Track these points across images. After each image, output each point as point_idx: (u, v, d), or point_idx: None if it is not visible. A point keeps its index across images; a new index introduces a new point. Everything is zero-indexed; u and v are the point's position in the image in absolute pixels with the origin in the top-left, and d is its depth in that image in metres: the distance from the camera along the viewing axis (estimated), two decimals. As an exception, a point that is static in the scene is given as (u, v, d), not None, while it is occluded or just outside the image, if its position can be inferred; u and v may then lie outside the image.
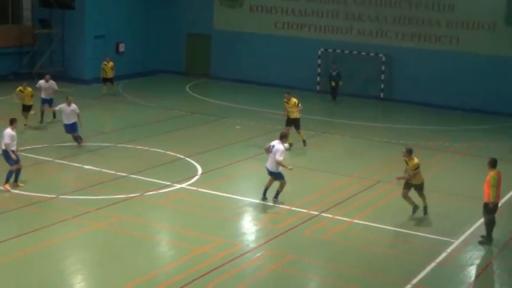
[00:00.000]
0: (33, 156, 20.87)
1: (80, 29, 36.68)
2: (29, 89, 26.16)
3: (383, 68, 34.13)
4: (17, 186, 18.68)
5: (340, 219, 17.46)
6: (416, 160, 17.14)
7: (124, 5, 37.82)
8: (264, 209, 18.28)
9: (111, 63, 31.63)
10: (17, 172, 18.83)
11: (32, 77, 35.94)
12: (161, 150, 23.22)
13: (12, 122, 19.08)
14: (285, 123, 24.23)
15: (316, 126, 28.15)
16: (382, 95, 34.36)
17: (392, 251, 15.69)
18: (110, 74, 31.64)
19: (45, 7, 37.68)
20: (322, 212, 17.76)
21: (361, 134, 27.41)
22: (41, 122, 26.46)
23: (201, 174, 20.87)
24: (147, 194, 18.92)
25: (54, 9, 37.24)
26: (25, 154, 21.16)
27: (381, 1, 34.49)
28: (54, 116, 26.41)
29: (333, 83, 33.06)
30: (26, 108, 26.07)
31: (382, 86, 34.37)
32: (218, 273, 13.96)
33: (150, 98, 32.94)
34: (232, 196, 19.01)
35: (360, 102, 33.98)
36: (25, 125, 25.48)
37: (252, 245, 15.81)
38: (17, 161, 18.79)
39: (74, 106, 23.31)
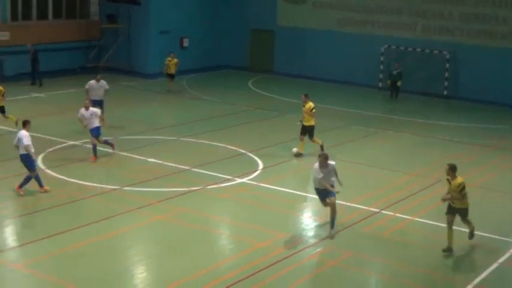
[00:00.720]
0: (99, 148, 21.16)
1: (145, 24, 37.20)
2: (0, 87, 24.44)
3: (447, 65, 33.58)
4: (46, 191, 17.92)
5: (401, 217, 17.31)
6: (460, 179, 14.54)
7: (189, 0, 38.07)
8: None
9: (175, 60, 31.90)
10: (37, 177, 17.95)
11: (98, 71, 36.69)
12: (223, 145, 23.35)
13: (25, 124, 18.17)
14: (300, 131, 22.45)
15: (377, 123, 28.01)
16: (445, 92, 33.81)
17: (453, 250, 15.47)
18: (173, 70, 31.89)
19: (112, 2, 38.29)
20: (382, 210, 17.63)
21: (422, 131, 27.09)
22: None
23: (262, 169, 20.92)
24: (208, 187, 19.06)
25: (120, 4, 37.81)
26: (90, 146, 21.52)
27: (446, -2, 34.05)
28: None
29: (391, 82, 32.68)
30: None
31: (446, 83, 33.82)
32: (278, 267, 13.98)
33: (213, 92, 33.15)
34: (292, 191, 19.02)
35: (423, 99, 33.54)
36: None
37: (311, 241, 15.80)
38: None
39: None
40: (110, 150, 21.54)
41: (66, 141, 23.09)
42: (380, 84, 34.02)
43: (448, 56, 33.50)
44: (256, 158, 21.87)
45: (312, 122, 21.98)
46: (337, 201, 17.98)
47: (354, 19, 36.34)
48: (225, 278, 13.38)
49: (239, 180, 19.75)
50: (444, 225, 15.31)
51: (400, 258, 15.00)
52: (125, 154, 21.65)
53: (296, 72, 37.47)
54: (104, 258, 14.42)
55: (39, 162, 20.45)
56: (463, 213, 14.81)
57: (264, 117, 28.57)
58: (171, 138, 24.20)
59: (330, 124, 27.10)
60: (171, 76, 32.26)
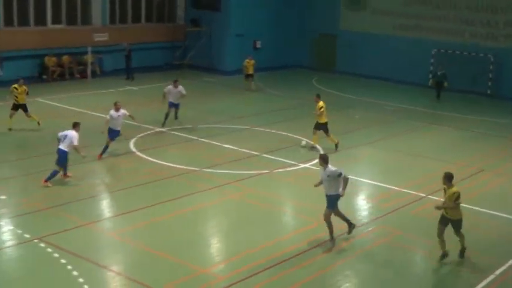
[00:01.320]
0: (182, 135, 21.50)
1: (224, 28, 37.50)
2: (24, 87, 23.11)
3: (491, 67, 32.91)
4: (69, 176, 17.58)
5: (446, 202, 17.08)
6: (455, 189, 12.92)
7: (262, 7, 38.23)
8: (376, 189, 18.17)
9: (252, 61, 31.92)
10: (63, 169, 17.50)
11: (183, 67, 37.21)
12: (289, 134, 23.45)
13: (75, 125, 17.69)
14: (313, 126, 21.66)
15: (424, 118, 27.71)
16: (488, 91, 33.12)
17: (492, 232, 15.16)
18: (251, 71, 31.90)
19: (196, 9, 38.78)
20: (428, 195, 17.41)
21: (466, 126, 26.62)
22: (164, 124, 23.40)
23: (323, 156, 20.88)
24: (276, 171, 19.19)
25: (203, 10, 38.25)
26: (176, 133, 21.90)
27: (492, 8, 33.36)
28: (176, 117, 23.73)
29: (435, 82, 32.04)
30: (16, 107, 22.80)
31: (489, 83, 33.18)
32: (335, 242, 14.02)
33: (282, 88, 33.23)
34: (351, 177, 18.77)
35: (469, 98, 32.85)
36: (9, 129, 22.53)
37: (364, 220, 15.81)
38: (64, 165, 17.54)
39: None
40: (192, 137, 21.82)
41: (154, 128, 23.49)
42: (429, 83, 33.35)
43: (492, 59, 32.80)
44: (317, 146, 21.82)
45: (323, 119, 21.34)
46: (388, 186, 17.98)
47: (408, 25, 35.93)
48: (288, 249, 13.52)
49: (302, 166, 19.82)
50: (484, 210, 15.04)
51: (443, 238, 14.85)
52: (205, 140, 21.90)
53: (355, 72, 37.23)
54: (185, 229, 14.77)
55: (131, 146, 20.89)
56: (457, 224, 13.15)
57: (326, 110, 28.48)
58: (244, 127, 24.42)
59: (382, 118, 26.99)
60: (250, 76, 32.15)
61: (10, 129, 22.42)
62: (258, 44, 38.69)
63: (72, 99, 28.10)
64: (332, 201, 13.65)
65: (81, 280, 11.89)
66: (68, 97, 28.44)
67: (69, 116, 25.05)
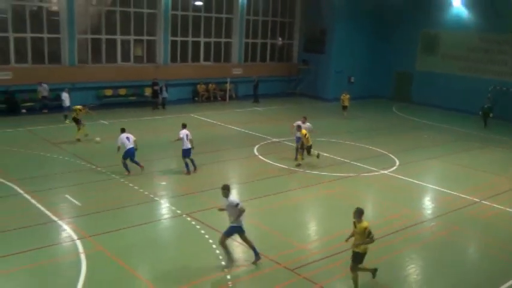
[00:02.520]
0: (292, 144, 21.60)
1: (326, 66, 37.32)
2: (85, 109, 21.95)
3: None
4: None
5: (496, 207, 16.14)
6: (366, 223, 10.27)
7: (356, 51, 37.72)
8: (439, 193, 17.45)
9: (347, 96, 30.91)
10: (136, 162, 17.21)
11: (295, 95, 37.36)
12: (371, 147, 22.96)
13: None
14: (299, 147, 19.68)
15: (479, 140, 26.16)
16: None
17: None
18: (347, 103, 30.86)
19: (306, 52, 38.90)
20: (482, 200, 16.55)
21: (514, 148, 25.08)
22: (296, 159, 19.90)
23: (399, 165, 20.29)
24: (361, 175, 18.86)
25: (312, 53, 38.31)
26: (287, 143, 22.02)
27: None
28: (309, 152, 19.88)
29: (483, 113, 29.93)
30: (77, 121, 21.53)
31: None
32: (402, 233, 13.71)
33: (368, 113, 32.59)
34: (419, 182, 18.36)
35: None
36: (78, 139, 21.38)
37: (428, 217, 15.23)
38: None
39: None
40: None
41: (271, 138, 23.75)
42: (480, 114, 31.39)
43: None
44: (394, 157, 21.26)
45: (309, 143, 19.16)
46: (448, 191, 17.21)
47: (471, 67, 34.22)
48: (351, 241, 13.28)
49: (382, 172, 19.35)
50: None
51: (492, 235, 14.09)
52: (316, 151, 21.80)
53: (427, 102, 35.86)
54: (290, 215, 14.80)
55: (255, 151, 21.21)
56: (358, 258, 10.32)
57: (402, 131, 27.66)
58: (339, 141, 24.14)
59: (445, 138, 25.87)
60: (345, 107, 30.87)
61: (79, 140, 21.38)
62: (352, 79, 38.20)
63: (214, 115, 28.94)
64: (231, 230, 11.30)
65: (214, 246, 12.23)
66: (212, 114, 29.32)
67: (211, 126, 25.92)
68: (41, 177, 16.60)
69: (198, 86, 34.01)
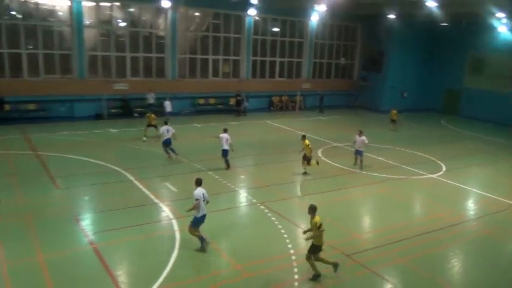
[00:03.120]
0: (351, 149, 21.15)
1: (382, 83, 36.23)
2: (153, 115, 21.97)
3: None
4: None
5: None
6: (317, 218, 9.75)
7: (408, 70, 36.36)
8: (483, 197, 16.39)
9: (395, 111, 28.81)
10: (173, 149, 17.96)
11: (355, 107, 36.56)
12: (421, 154, 22.00)
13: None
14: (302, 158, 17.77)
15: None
16: None
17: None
18: (394, 118, 28.74)
19: (365, 70, 37.98)
20: (521, 204, 15.43)
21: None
22: (355, 165, 18.96)
23: (445, 170, 19.33)
24: (411, 177, 18.13)
25: (370, 72, 37.37)
26: (347, 147, 21.54)
27: None
28: (361, 166, 18.84)
29: None
30: (149, 126, 21.61)
31: None
32: (447, 231, 13.04)
33: (418, 124, 31.27)
34: (463, 186, 17.38)
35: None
36: (144, 140, 21.20)
37: (471, 217, 14.38)
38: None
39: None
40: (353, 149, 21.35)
41: (333, 143, 23.39)
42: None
43: None
44: (441, 163, 20.27)
45: (309, 153, 17.43)
46: (489, 195, 16.21)
47: (514, 86, 32.15)
48: (415, 230, 12.75)
49: (430, 176, 18.50)
50: None
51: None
52: (367, 154, 21.24)
53: (474, 116, 33.84)
54: (349, 209, 14.52)
55: (320, 154, 20.96)
56: (316, 249, 9.86)
57: (449, 141, 26.25)
58: (391, 147, 23.35)
59: (488, 149, 24.23)
60: (394, 121, 28.77)
61: (145, 140, 21.26)
62: (405, 94, 36.81)
63: (286, 122, 28.93)
64: (196, 221, 10.82)
65: (282, 231, 12.24)
66: (284, 121, 29.33)
67: (283, 131, 25.93)
68: (146, 167, 17.34)
69: (273, 97, 34.22)
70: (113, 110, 27.52)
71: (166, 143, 18.37)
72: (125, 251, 10.91)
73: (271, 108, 34.18)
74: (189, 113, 30.16)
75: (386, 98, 35.88)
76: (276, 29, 34.39)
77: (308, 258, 9.96)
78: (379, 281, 10.19)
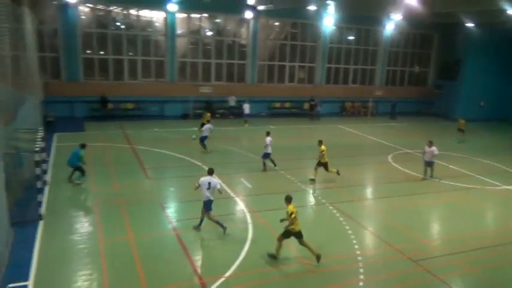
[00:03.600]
0: (419, 154, 20.06)
1: (458, 92, 33.97)
2: (209, 114, 21.58)
3: None
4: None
5: None
6: (290, 207, 9.96)
7: (486, 78, 33.66)
8: None
9: (463, 121, 26.29)
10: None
11: (428, 115, 34.61)
12: (497, 164, 20.24)
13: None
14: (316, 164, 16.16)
15: None
16: None
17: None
18: (463, 127, 25.95)
19: (440, 79, 35.83)
20: None
21: None
22: (425, 175, 17.34)
23: (521, 182, 17.66)
24: (484, 187, 16.77)
25: (445, 80, 35.19)
26: (416, 153, 20.45)
27: None
28: (432, 175, 17.35)
29: None
30: (203, 124, 20.11)
31: None
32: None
33: (495, 133, 28.87)
34: None
35: None
36: (194, 138, 20.84)
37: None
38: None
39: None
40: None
41: (404, 149, 22.32)
42: None
43: None
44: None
45: (325, 160, 15.87)
46: None
47: None
48: (482, 241, 11.77)
49: (505, 187, 16.97)
50: None
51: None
52: (439, 162, 19.97)
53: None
54: (417, 215, 13.73)
55: (390, 160, 20.12)
56: (298, 235, 10.09)
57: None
58: (464, 156, 21.70)
59: None
60: (462, 131, 26.05)
61: (194, 138, 20.83)
62: (481, 103, 34.19)
63: (357, 127, 28.17)
64: (203, 205, 11.22)
65: (350, 232, 11.91)
66: (355, 126, 28.58)
67: (354, 136, 25.26)
68: (225, 163, 17.71)
69: (346, 103, 33.51)
70: (197, 111, 28.56)
71: (203, 139, 19.17)
72: (203, 238, 11.25)
73: (343, 113, 33.46)
74: (265, 115, 30.42)
75: (461, 106, 33.54)
76: (351, 37, 33.63)
77: (278, 239, 10.16)
78: (446, 289, 9.55)
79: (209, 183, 11.10)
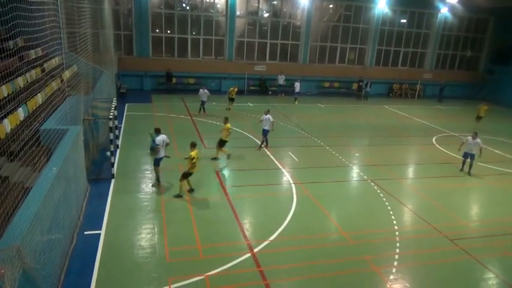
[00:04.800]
0: (461, 136, 18.83)
1: (510, 77, 31.29)
2: (236, 89, 21.99)
3: None
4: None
5: None
6: (193, 153, 10.88)
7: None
8: None
9: (485, 107, 22.62)
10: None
11: (476, 100, 32.33)
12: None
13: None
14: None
15: None
16: None
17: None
18: (482, 114, 22.42)
19: (492, 64, 33.10)
20: None
21: None
22: (462, 169, 15.01)
23: None
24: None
25: (497, 65, 32.48)
26: (462, 136, 19.23)
27: None
28: (470, 170, 14.94)
29: None
30: (230, 100, 21.75)
31: None
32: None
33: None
34: None
35: None
36: (228, 109, 21.69)
37: None
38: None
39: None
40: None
41: (449, 132, 21.09)
42: None
43: None
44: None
45: (227, 138, 14.22)
46: None
47: None
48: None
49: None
50: None
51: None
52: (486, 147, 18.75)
53: None
54: (458, 196, 13.05)
55: (434, 141, 19.15)
56: (186, 175, 11.15)
57: None
58: (510, 141, 20.20)
59: None
60: (480, 118, 22.19)
61: (229, 109, 21.81)
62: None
63: (404, 109, 26.95)
64: (156, 161, 11.85)
65: (389, 208, 11.62)
66: (402, 107, 27.35)
67: (400, 117, 24.21)
68: (275, 138, 17.56)
69: (394, 85, 32.04)
70: (251, 87, 28.58)
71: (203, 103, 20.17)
72: (251, 204, 11.45)
73: (390, 94, 32.08)
74: (315, 94, 29.85)
75: (511, 91, 31.02)
76: (403, 20, 31.74)
77: (180, 180, 11.19)
78: (481, 269, 9.10)
79: (163, 141, 11.69)
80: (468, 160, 14.78)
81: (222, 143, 14.29)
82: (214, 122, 19.45)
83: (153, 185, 11.89)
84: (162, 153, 11.76)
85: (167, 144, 11.86)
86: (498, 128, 22.76)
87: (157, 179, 11.89)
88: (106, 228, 9.52)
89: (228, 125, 14.21)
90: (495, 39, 33.08)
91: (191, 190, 11.44)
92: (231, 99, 22.23)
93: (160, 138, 11.71)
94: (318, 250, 9.35)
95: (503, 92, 31.70)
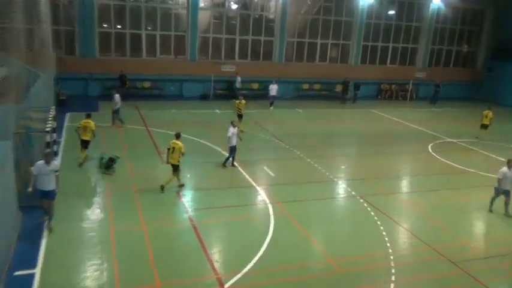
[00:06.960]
0: (465, 145, 19.39)
1: (509, 74, 32.69)
2: (243, 101, 19.88)
3: None
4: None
5: None
6: (179, 144, 12.89)
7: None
8: None
9: (491, 113, 22.23)
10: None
11: (474, 100, 33.48)
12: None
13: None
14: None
15: None
16: None
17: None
18: (487, 122, 22.03)
19: (492, 60, 34.57)
20: None
21: None
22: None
23: None
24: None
25: (497, 61, 33.87)
26: (460, 143, 19.82)
27: None
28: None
29: None
30: (239, 116, 19.70)
31: None
32: None
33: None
34: None
35: None
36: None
37: None
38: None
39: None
40: (472, 148, 19.45)
41: (445, 138, 21.69)
42: None
43: None
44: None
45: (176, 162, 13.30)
46: None
47: None
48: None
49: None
50: None
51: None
52: (483, 152, 19.35)
53: None
54: (458, 212, 13.32)
55: (430, 149, 19.59)
56: (176, 168, 13.13)
57: None
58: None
59: None
60: (486, 127, 21.91)
61: (242, 131, 19.32)
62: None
63: (393, 112, 27.59)
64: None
65: (379, 223, 11.72)
66: (391, 110, 27.99)
67: (389, 122, 24.71)
68: (245, 150, 17.42)
69: (382, 85, 32.88)
70: (218, 91, 28.52)
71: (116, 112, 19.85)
72: (220, 230, 11.26)
73: (379, 96, 32.81)
74: (292, 97, 30.12)
75: (507, 91, 32.46)
76: (391, 12, 32.70)
77: (174, 174, 13.21)
78: (489, 296, 9.25)
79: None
80: (502, 197, 12.90)
81: (175, 168, 13.25)
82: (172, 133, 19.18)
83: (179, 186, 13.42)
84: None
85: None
86: (504, 131, 23.58)
87: (180, 184, 13.42)
88: (42, 266, 9.10)
89: (179, 143, 12.98)
90: (494, 31, 34.52)
91: (182, 185, 13.38)
92: (240, 116, 19.76)
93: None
94: (300, 283, 9.25)
95: (504, 92, 33.02)
